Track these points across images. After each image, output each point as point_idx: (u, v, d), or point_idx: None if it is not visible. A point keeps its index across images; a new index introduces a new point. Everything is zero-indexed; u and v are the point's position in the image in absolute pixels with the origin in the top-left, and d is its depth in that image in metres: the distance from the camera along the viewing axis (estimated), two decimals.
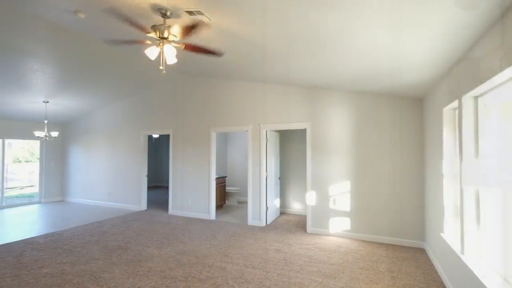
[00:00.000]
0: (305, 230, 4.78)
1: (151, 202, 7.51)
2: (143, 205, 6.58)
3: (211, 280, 2.95)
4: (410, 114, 4.09)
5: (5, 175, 7.06)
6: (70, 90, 5.75)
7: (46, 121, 6.13)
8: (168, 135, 10.58)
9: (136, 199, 6.63)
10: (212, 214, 5.65)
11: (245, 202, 7.47)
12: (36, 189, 8.07)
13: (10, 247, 4.00)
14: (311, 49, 3.03)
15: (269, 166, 5.31)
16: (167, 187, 11.06)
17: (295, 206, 6.21)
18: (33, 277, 3.02)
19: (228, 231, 4.79)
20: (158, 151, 11.64)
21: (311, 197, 4.70)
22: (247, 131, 5.34)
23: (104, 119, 7.23)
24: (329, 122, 4.62)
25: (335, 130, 4.56)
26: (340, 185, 4.47)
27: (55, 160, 7.98)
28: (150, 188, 10.55)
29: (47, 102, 6.10)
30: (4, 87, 5.17)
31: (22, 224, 5.33)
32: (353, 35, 2.48)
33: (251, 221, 5.22)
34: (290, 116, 4.96)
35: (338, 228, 4.47)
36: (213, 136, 5.72)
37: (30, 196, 7.98)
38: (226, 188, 7.06)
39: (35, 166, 8.03)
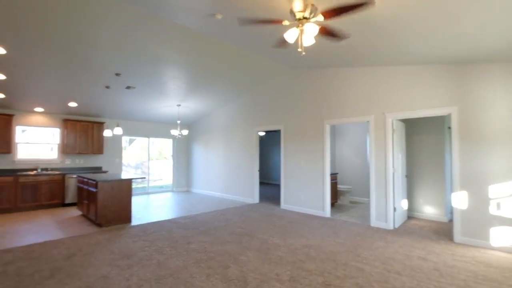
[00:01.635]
0: (451, 239, 3.89)
1: (261, 197, 7.83)
2: (256, 199, 6.90)
3: (350, 279, 2.67)
4: None
5: (150, 168, 8.76)
6: (197, 93, 6.60)
7: (179, 122, 7.24)
8: (276, 132, 10.90)
9: (249, 192, 7.02)
10: (327, 211, 5.37)
11: (359, 203, 6.85)
12: (164, 182, 9.77)
13: (161, 224, 4.81)
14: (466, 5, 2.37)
15: (396, 161, 4.62)
16: (272, 184, 11.46)
17: (427, 210, 5.22)
18: (184, 250, 3.48)
19: (350, 230, 4.40)
20: (263, 149, 12.15)
21: (460, 199, 3.79)
22: (368, 121, 4.82)
23: (220, 119, 8.02)
24: (486, 104, 3.62)
25: (498, 113, 3.53)
26: (508, 184, 3.43)
27: (183, 157, 9.39)
28: None
29: (179, 105, 7.20)
30: (151, 94, 6.36)
31: (164, 207, 6.42)
32: None
33: (374, 222, 4.66)
34: (425, 101, 4.18)
35: (507, 241, 3.43)
36: (327, 129, 5.45)
37: (160, 187, 9.59)
38: (338, 186, 6.63)
39: (163, 163, 9.70)
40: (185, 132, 7.25)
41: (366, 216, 5.26)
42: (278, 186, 10.81)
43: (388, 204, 4.51)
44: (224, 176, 7.85)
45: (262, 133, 9.95)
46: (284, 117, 6.24)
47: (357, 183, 7.08)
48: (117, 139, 7.82)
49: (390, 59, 4.27)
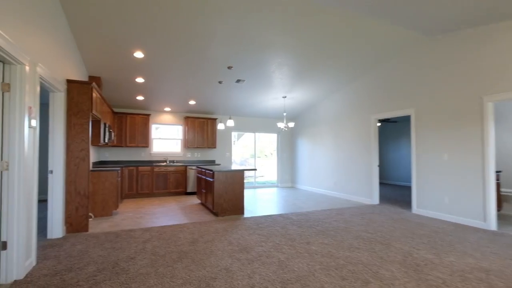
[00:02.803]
0: None
1: (380, 198, 6.64)
2: (375, 199, 5.84)
3: None
4: None
5: (255, 164, 8.89)
6: (304, 81, 6.11)
7: (285, 114, 6.94)
8: (394, 122, 9.34)
9: (365, 191, 6.02)
10: (490, 222, 3.87)
11: None
12: (266, 178, 9.76)
13: (274, 219, 4.53)
14: None
15: None
16: (389, 184, 9.88)
17: None
18: (305, 251, 3.00)
19: None
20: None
21: None
22: None
23: (328, 108, 7.28)
24: None
25: None
26: None
27: (287, 152, 9.13)
28: None
29: (285, 97, 6.90)
30: (259, 86, 6.26)
31: (272, 202, 6.21)
32: None
33: None
34: None
35: None
36: (489, 108, 3.93)
37: (263, 183, 9.54)
38: (501, 189, 4.82)
39: (263, 161, 9.72)
40: (291, 124, 6.89)
41: None
42: (397, 186, 9.17)
43: None
44: (333, 172, 7.08)
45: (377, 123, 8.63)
46: (415, 99, 4.97)
47: None
48: (227, 134, 8.24)
49: None
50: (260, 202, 6.18)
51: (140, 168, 6.60)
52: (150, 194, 6.71)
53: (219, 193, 4.68)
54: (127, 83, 5.59)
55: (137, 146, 6.96)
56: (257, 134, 8.86)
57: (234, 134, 8.62)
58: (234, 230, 3.80)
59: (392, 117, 5.52)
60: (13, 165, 2.31)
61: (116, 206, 4.70)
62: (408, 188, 8.65)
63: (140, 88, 5.88)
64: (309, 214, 4.84)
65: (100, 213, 4.55)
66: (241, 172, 4.86)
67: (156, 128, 7.59)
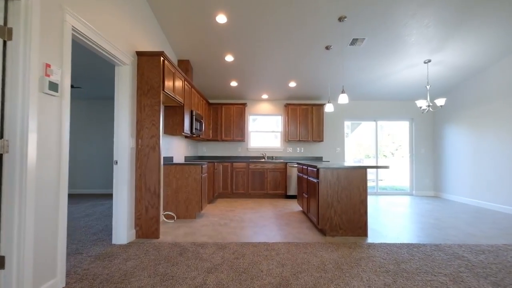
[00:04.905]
0: None
1: None
2: None
3: None
4: None
5: (377, 162, 6.69)
6: (461, 32, 3.69)
7: (428, 87, 4.59)
8: None
9: None
10: None
11: None
12: (384, 183, 7.34)
13: (425, 253, 2.56)
14: None
15: None
16: None
17: None
18: None
19: None
20: None
21: None
22: None
23: (509, 76, 4.40)
24: None
25: None
26: None
27: (425, 146, 6.46)
28: None
29: (429, 61, 4.56)
30: (384, 49, 4.26)
31: (409, 219, 4.05)
32: None
33: None
34: None
35: None
36: None
37: (384, 188, 7.08)
38: None
39: (384, 162, 7.26)
40: (440, 101, 4.47)
41: None
42: None
43: None
44: None
45: None
46: None
47: None
48: (338, 123, 6.48)
49: None
50: (390, 217, 4.16)
51: (235, 164, 5.81)
52: (245, 194, 5.82)
53: (327, 201, 3.12)
54: (216, 64, 4.83)
55: (233, 140, 6.24)
56: (379, 122, 6.64)
57: (347, 125, 6.75)
58: (354, 269, 2.17)
59: None
60: (13, 146, 1.59)
61: (200, 208, 3.90)
62: None
63: (231, 70, 5.04)
64: (501, 252, 2.58)
65: (183, 214, 3.85)
66: (361, 171, 3.13)
67: (253, 120, 6.71)
